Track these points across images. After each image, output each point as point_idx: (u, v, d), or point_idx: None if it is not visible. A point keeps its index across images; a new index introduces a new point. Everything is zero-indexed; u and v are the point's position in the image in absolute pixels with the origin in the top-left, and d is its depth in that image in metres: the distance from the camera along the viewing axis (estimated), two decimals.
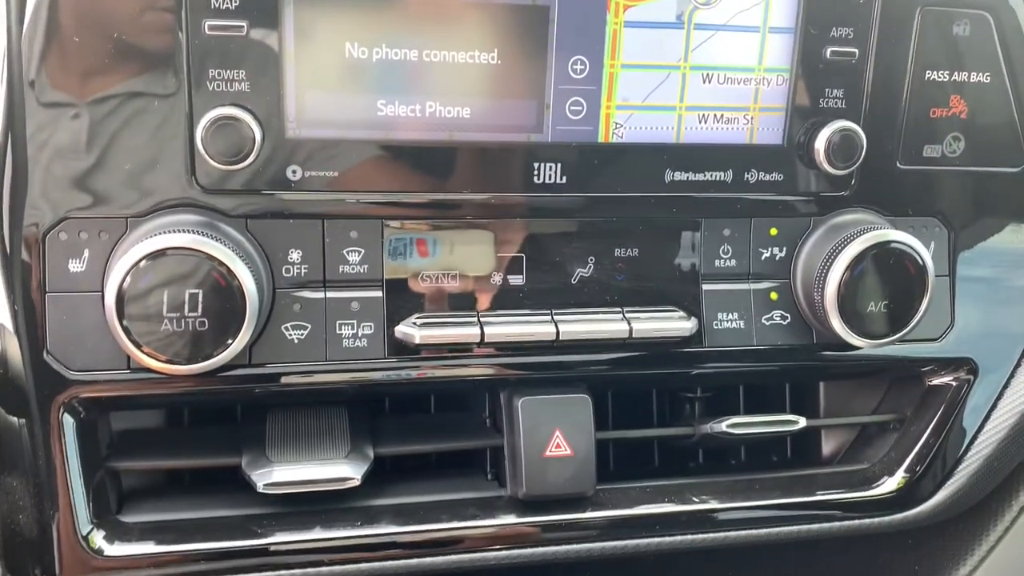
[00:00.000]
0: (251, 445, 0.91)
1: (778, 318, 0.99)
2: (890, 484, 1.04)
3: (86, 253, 0.83)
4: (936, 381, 1.06)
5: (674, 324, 0.95)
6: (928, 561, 1.12)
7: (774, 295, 0.99)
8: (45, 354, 0.83)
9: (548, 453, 0.93)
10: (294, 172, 0.86)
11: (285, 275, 0.87)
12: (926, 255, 0.96)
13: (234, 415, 0.98)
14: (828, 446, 1.12)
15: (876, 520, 1.03)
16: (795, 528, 1.00)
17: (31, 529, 0.83)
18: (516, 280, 0.93)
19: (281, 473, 0.88)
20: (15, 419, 0.83)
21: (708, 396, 1.10)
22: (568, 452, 0.94)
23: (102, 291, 0.82)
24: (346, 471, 0.90)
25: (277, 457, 0.90)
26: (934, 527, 1.10)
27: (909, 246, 0.95)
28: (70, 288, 0.83)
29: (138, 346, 0.80)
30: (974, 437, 1.05)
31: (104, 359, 0.83)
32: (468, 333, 0.90)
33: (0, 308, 0.83)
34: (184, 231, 0.80)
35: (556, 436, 0.94)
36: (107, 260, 0.83)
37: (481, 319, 0.91)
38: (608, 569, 1.19)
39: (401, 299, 0.90)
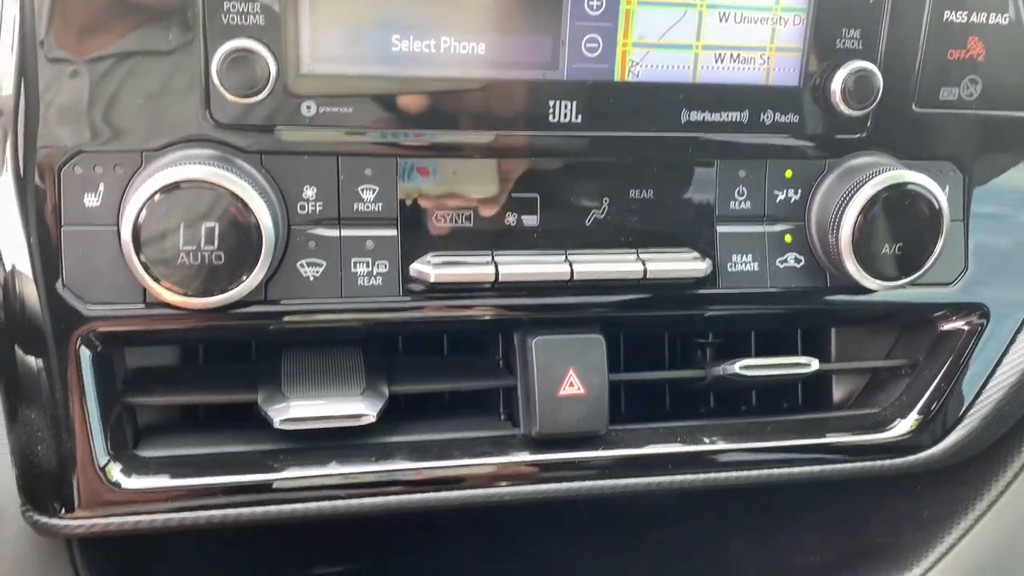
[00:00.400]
0: (267, 382, 0.91)
1: (792, 261, 0.99)
2: (901, 427, 1.04)
3: (101, 187, 0.83)
4: (948, 326, 1.06)
5: (688, 265, 0.95)
6: (936, 507, 1.13)
7: (788, 237, 0.99)
8: (61, 288, 0.83)
9: (562, 392, 0.94)
10: (308, 108, 0.85)
11: (300, 212, 0.87)
12: (942, 197, 0.95)
13: (249, 354, 0.98)
14: (839, 392, 1.12)
15: (887, 463, 1.03)
16: (806, 470, 1.01)
17: (49, 462, 0.84)
18: (530, 221, 0.93)
19: (297, 409, 0.89)
20: (32, 354, 0.84)
21: (719, 343, 1.10)
22: (582, 391, 0.94)
23: (118, 226, 0.82)
24: (361, 408, 0.90)
25: (293, 394, 0.90)
26: (942, 473, 1.10)
27: (925, 188, 0.95)
28: (85, 222, 0.83)
29: (155, 279, 0.80)
30: (985, 382, 1.05)
31: (120, 293, 0.83)
32: (482, 272, 0.90)
33: (16, 242, 0.83)
34: (200, 163, 0.80)
35: (570, 375, 0.94)
36: (122, 194, 0.83)
37: (496, 258, 0.91)
38: (616, 518, 1.21)
39: (415, 238, 0.90)
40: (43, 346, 0.83)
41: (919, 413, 1.05)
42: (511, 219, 0.93)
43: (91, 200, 0.83)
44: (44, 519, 0.84)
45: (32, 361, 0.84)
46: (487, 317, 0.93)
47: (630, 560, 1.26)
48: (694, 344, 1.11)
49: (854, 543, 1.17)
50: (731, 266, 0.98)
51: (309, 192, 0.87)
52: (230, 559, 1.19)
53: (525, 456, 0.95)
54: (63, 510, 0.84)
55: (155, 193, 0.79)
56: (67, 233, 0.83)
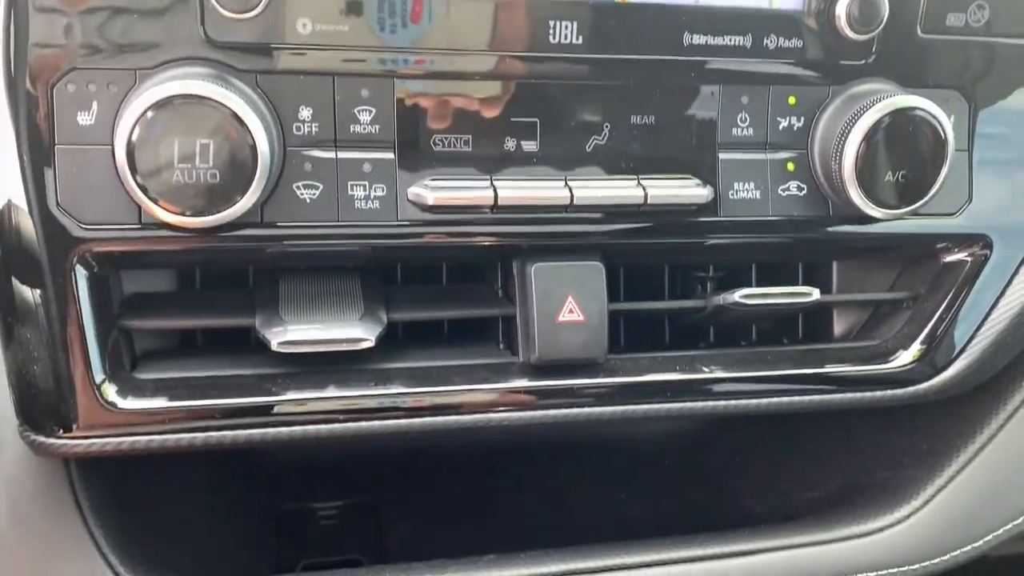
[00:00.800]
0: (264, 307, 0.91)
1: (794, 189, 0.98)
2: (903, 359, 1.04)
3: (95, 105, 0.82)
4: (951, 258, 1.06)
5: (689, 191, 0.94)
6: (935, 441, 1.13)
7: (791, 165, 0.98)
8: (55, 208, 0.82)
9: (560, 319, 0.93)
10: (304, 25, 0.84)
11: (296, 133, 0.86)
12: (947, 123, 0.94)
13: (246, 282, 0.98)
14: (840, 327, 1.11)
15: (888, 394, 1.03)
16: (805, 399, 1.00)
17: (46, 384, 0.83)
18: (530, 146, 0.92)
19: (295, 332, 0.88)
20: (28, 275, 0.83)
21: (720, 276, 1.09)
22: (580, 318, 0.94)
23: (112, 144, 0.80)
24: (360, 332, 0.90)
25: (291, 318, 0.90)
26: (942, 406, 1.10)
27: (930, 113, 0.93)
28: (79, 141, 0.82)
29: (150, 198, 0.79)
30: (987, 314, 1.05)
31: (115, 214, 0.82)
32: (481, 195, 0.89)
33: (9, 162, 0.82)
34: (195, 79, 0.79)
35: (569, 302, 0.93)
36: (116, 112, 0.81)
37: (494, 182, 0.90)
38: (614, 456, 1.21)
39: (413, 161, 0.89)
40: (38, 267, 0.83)
41: (921, 344, 1.04)
42: (510, 144, 0.92)
43: (84, 118, 0.82)
44: (41, 439, 0.84)
45: (28, 282, 0.83)
46: (486, 243, 0.92)
47: (630, 498, 1.27)
48: (694, 279, 1.10)
49: (854, 477, 1.17)
50: (732, 194, 0.97)
51: (305, 113, 0.86)
52: (231, 491, 1.19)
53: (524, 383, 0.94)
54: (60, 431, 0.83)
55: (149, 109, 0.78)
56: (60, 152, 0.81)
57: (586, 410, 0.95)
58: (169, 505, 1.08)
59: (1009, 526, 1.13)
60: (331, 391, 0.89)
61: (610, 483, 1.30)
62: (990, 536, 1.11)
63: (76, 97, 0.81)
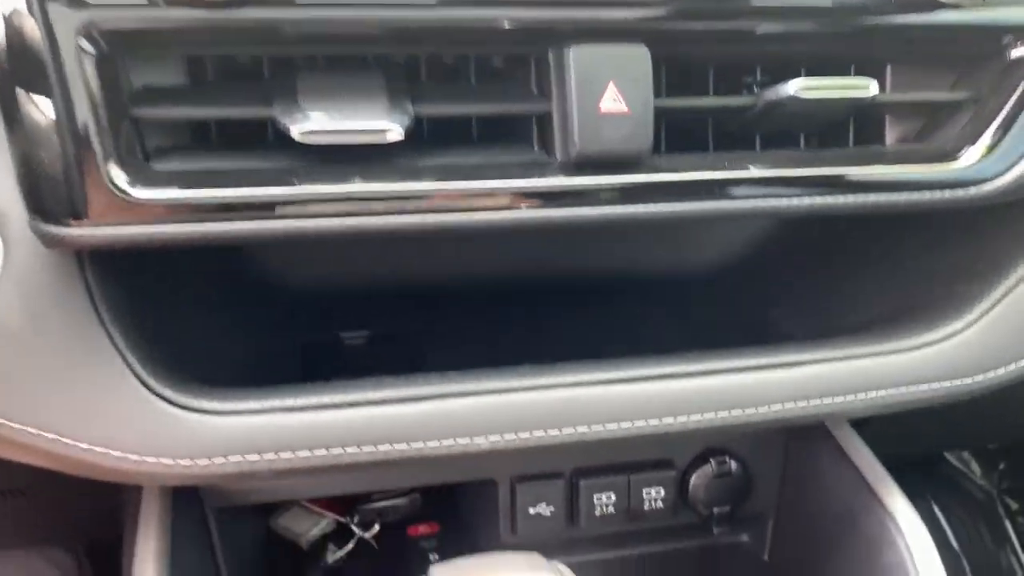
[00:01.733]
0: (283, 98, 0.84)
1: None
2: (968, 157, 0.97)
3: None
4: (1017, 53, 0.98)
5: None
6: (990, 256, 1.07)
7: None
8: None
9: (602, 108, 0.86)
10: None
11: None
12: None
13: (260, 77, 0.90)
14: (892, 135, 1.04)
15: (953, 194, 0.96)
16: (862, 198, 0.94)
17: (55, 172, 0.77)
18: None
19: (317, 121, 0.82)
20: (33, 58, 0.76)
21: (767, 81, 1.01)
22: (625, 108, 0.87)
23: None
24: (386, 123, 0.83)
25: (312, 108, 0.83)
26: (997, 221, 1.05)
27: None
28: None
29: None
30: None
31: None
32: None
33: None
34: None
35: (611, 89, 0.86)
36: None
37: None
38: (646, 288, 1.15)
39: None
40: (44, 47, 0.75)
41: (986, 143, 0.97)
42: None
43: None
44: (52, 228, 0.78)
45: (33, 66, 0.76)
46: (519, 27, 0.85)
47: (664, 330, 1.22)
48: (740, 85, 1.02)
49: (903, 299, 1.12)
50: None
51: None
52: (255, 318, 1.15)
53: (563, 179, 0.88)
54: (71, 219, 0.78)
55: None
56: None
57: (630, 207, 0.89)
58: (189, 322, 1.03)
59: None
60: (356, 184, 0.83)
61: (643, 319, 1.26)
62: None
63: None
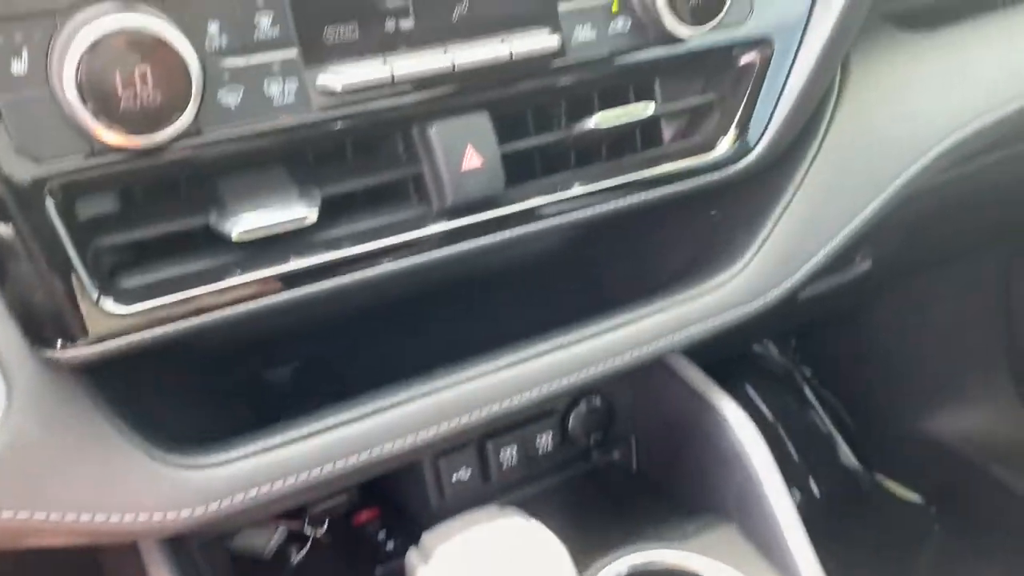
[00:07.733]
0: (213, 204, 1.04)
1: (620, 26, 1.20)
2: (722, 146, 1.32)
3: (25, 54, 0.89)
4: (745, 60, 1.32)
5: (544, 42, 1.13)
6: (753, 210, 1.44)
7: (615, 7, 1.19)
8: (14, 155, 0.90)
9: (464, 167, 1.12)
10: None
11: (210, 47, 0.97)
12: None
13: (179, 192, 1.08)
14: (667, 133, 1.37)
15: (715, 176, 1.31)
16: (654, 192, 1.26)
17: (47, 308, 0.94)
18: (407, 23, 1.07)
19: (248, 221, 1.03)
20: (5, 218, 0.92)
21: (569, 111, 1.31)
22: (479, 164, 1.13)
23: (49, 87, 0.89)
24: (304, 210, 1.05)
25: (240, 210, 1.04)
26: (755, 182, 1.40)
27: None
28: (18, 89, 0.90)
29: (102, 126, 0.90)
30: (777, 99, 1.33)
31: (69, 147, 0.92)
32: (380, 76, 1.04)
33: None
34: (120, 13, 0.88)
35: (469, 150, 1.12)
36: (47, 56, 0.90)
37: (387, 60, 1.05)
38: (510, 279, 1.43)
39: (314, 54, 1.03)
40: (13, 209, 0.91)
41: (733, 131, 1.32)
42: (390, 25, 1.07)
43: (18, 68, 0.89)
44: (55, 353, 0.95)
45: (7, 224, 0.92)
46: (391, 116, 1.08)
47: (525, 311, 1.51)
48: (551, 117, 1.31)
49: (698, 251, 1.47)
50: (574, 39, 1.17)
51: (213, 27, 0.97)
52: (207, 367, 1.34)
53: (444, 224, 1.14)
54: (70, 344, 0.95)
55: (88, 48, 0.87)
56: (4, 103, 0.89)
57: (496, 236, 1.17)
58: (152, 388, 1.21)
59: (811, 263, 1.48)
60: (292, 263, 1.05)
61: (510, 304, 1.54)
62: (801, 272, 1.45)
63: (3, 49, 0.89)
